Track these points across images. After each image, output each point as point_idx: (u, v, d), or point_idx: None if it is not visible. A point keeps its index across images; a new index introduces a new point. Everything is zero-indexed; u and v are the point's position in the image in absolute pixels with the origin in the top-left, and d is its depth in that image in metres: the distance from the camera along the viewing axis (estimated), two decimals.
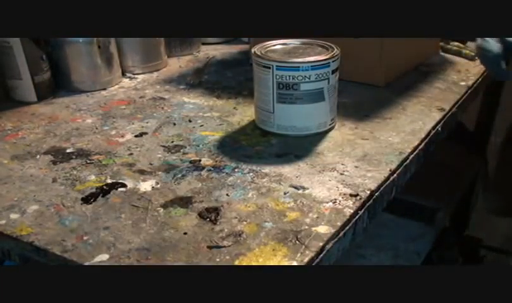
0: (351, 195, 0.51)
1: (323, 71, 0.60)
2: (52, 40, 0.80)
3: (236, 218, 0.48)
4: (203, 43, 1.07)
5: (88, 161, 0.60)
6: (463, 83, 0.81)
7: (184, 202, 0.51)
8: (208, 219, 0.48)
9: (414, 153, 0.60)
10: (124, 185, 0.54)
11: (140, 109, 0.75)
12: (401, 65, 0.83)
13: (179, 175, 0.56)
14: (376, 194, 0.52)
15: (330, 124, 0.65)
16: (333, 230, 0.46)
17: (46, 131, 0.69)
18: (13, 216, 0.49)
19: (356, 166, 0.56)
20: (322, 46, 0.64)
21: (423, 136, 0.63)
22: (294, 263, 0.42)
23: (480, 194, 1.37)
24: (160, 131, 0.67)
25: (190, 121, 0.70)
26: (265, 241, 0.45)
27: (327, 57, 0.61)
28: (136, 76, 0.90)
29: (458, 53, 0.92)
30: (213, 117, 0.71)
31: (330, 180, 0.54)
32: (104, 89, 0.83)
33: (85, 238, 0.46)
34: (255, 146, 0.62)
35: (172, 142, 0.64)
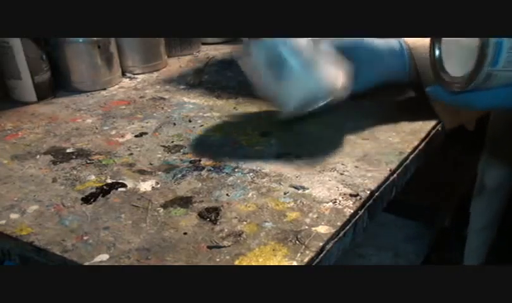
0: (351, 195, 0.51)
1: None
2: (52, 40, 0.80)
3: (236, 218, 0.48)
4: (203, 43, 1.07)
5: (88, 161, 0.60)
6: None
7: (184, 202, 0.51)
8: (208, 219, 0.48)
9: (414, 153, 0.60)
10: (124, 185, 0.54)
11: (140, 109, 0.75)
12: None
13: (179, 175, 0.56)
14: (376, 194, 0.52)
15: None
16: (333, 230, 0.46)
17: (46, 131, 0.69)
18: (13, 216, 0.49)
19: (356, 166, 0.56)
20: None
21: (423, 136, 0.63)
22: (294, 263, 0.42)
23: None
24: (160, 131, 0.67)
25: (190, 121, 0.70)
26: (265, 241, 0.45)
27: None
28: (136, 76, 0.90)
29: None
30: (213, 117, 0.71)
31: (330, 180, 0.54)
32: (104, 89, 0.83)
33: (85, 238, 0.46)
34: (255, 146, 0.62)
35: (172, 142, 0.64)
